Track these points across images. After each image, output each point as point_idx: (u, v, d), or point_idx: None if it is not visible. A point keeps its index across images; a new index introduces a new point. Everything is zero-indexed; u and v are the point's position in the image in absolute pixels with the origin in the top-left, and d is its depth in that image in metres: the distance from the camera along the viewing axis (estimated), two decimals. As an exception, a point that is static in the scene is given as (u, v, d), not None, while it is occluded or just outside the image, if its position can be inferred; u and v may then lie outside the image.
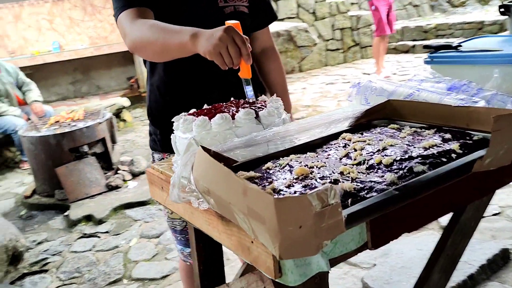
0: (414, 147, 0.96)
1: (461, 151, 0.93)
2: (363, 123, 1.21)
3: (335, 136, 1.13)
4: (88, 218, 3.29)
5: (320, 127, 1.16)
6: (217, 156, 1.02)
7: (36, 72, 6.82)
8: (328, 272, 0.86)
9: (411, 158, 0.91)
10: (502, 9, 1.57)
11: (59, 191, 3.59)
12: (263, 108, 1.19)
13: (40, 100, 4.73)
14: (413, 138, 1.02)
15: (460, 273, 1.97)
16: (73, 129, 3.60)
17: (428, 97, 1.15)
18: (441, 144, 0.96)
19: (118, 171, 3.79)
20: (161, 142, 1.56)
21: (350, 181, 0.85)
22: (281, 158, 1.01)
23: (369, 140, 1.04)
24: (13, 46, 6.87)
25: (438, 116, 1.08)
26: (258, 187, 0.74)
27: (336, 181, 0.85)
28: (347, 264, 2.27)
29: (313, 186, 0.84)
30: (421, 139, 1.01)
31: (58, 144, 3.54)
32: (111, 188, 3.62)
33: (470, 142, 0.96)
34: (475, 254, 2.07)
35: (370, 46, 7.71)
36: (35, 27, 6.93)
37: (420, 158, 0.90)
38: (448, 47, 1.39)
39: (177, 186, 0.98)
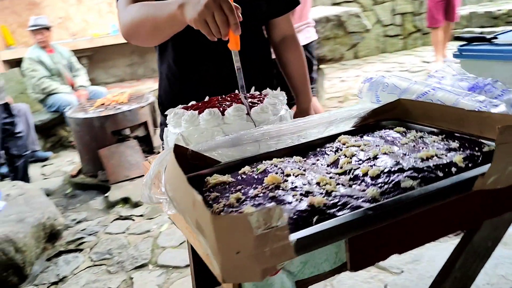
0: (410, 157, 0.83)
1: (463, 165, 0.79)
2: (370, 123, 1.08)
3: (333, 138, 1.02)
4: (125, 201, 3.34)
5: (318, 127, 1.06)
6: (195, 155, 0.95)
7: (95, 54, 7.05)
8: (295, 294, 0.77)
9: (401, 170, 0.79)
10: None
11: (102, 172, 3.68)
12: (260, 102, 1.11)
13: (86, 86, 4.87)
14: (414, 146, 0.89)
15: (496, 287, 1.79)
16: (116, 112, 3.65)
17: (444, 97, 1.01)
18: (442, 154, 0.83)
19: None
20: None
21: (323, 195, 0.75)
22: (263, 162, 0.92)
23: (364, 145, 0.93)
24: (75, 28, 7.11)
25: (451, 120, 0.94)
26: (201, 199, 0.65)
27: (307, 193, 0.75)
28: (375, 267, 2.14)
29: (280, 199, 0.74)
30: (423, 147, 0.88)
31: (101, 126, 3.62)
32: (151, 171, 3.66)
33: (478, 153, 0.82)
34: (515, 269, 1.88)
35: (433, 32, 7.29)
36: (96, 10, 7.13)
37: (411, 171, 0.78)
38: (482, 39, 1.22)
39: (148, 187, 0.92)
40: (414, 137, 0.93)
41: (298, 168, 0.85)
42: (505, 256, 1.96)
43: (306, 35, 2.89)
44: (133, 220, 3.12)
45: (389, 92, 1.11)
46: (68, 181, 3.89)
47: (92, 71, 7.23)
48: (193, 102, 1.24)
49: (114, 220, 3.17)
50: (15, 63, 6.85)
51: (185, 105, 1.19)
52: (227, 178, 0.86)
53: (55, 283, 2.54)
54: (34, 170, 4.44)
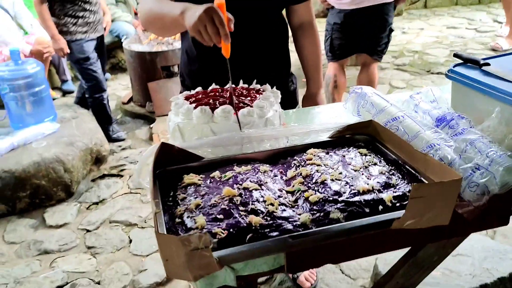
0: (351, 186, 0.96)
1: (390, 204, 0.92)
2: (346, 136, 1.20)
3: (305, 148, 1.15)
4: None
5: (298, 135, 1.18)
6: (181, 152, 1.12)
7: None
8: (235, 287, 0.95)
9: (335, 201, 0.92)
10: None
11: (150, 103, 3.95)
12: (250, 103, 1.24)
13: None
14: (363, 173, 1.01)
15: (476, 279, 1.90)
16: (167, 49, 3.84)
17: (409, 126, 1.10)
18: (376, 189, 0.95)
19: (204, 93, 4.02)
20: None
21: (263, 214, 0.90)
22: (235, 166, 1.08)
23: (325, 165, 1.05)
24: None
25: (404, 152, 1.05)
26: (157, 211, 0.84)
27: (252, 211, 0.91)
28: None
29: (228, 212, 0.91)
30: (367, 176, 1.00)
31: (152, 61, 3.83)
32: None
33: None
34: (501, 264, 1.97)
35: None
36: None
37: (343, 204, 0.92)
38: (475, 62, 1.26)
39: (138, 174, 1.11)
40: (368, 163, 1.05)
41: (257, 183, 1.00)
42: (497, 250, 2.05)
43: None
44: (157, 133, 3.40)
45: (367, 110, 1.21)
46: (120, 107, 4.22)
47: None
48: (199, 89, 1.39)
49: (155, 152, 3.46)
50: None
51: (189, 94, 1.34)
52: (197, 180, 1.03)
53: (96, 203, 2.90)
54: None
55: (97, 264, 2.37)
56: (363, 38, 3.20)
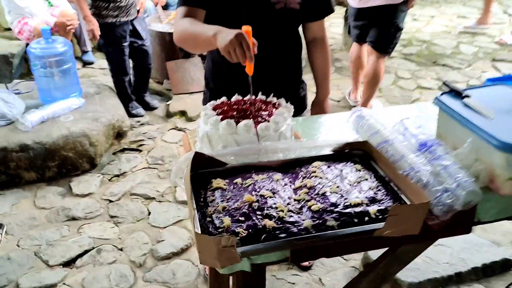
0: (346, 199, 1.22)
1: (374, 216, 1.18)
2: (345, 151, 1.45)
3: (311, 160, 1.40)
4: (182, 113, 3.87)
5: (306, 148, 1.44)
6: (210, 158, 1.38)
7: None
8: (250, 272, 1.22)
9: (331, 211, 1.18)
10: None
11: (167, 81, 4.19)
12: (267, 118, 1.48)
13: None
14: (355, 187, 1.27)
15: (452, 267, 2.18)
16: (186, 31, 4.03)
17: (397, 149, 1.35)
18: (364, 202, 1.21)
19: (219, 74, 4.24)
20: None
21: (275, 219, 1.17)
22: (253, 175, 1.33)
23: (326, 178, 1.31)
24: None
25: (391, 172, 1.30)
26: (196, 214, 1.10)
27: (267, 216, 1.17)
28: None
29: (248, 215, 1.17)
30: (359, 191, 1.25)
31: (171, 41, 3.97)
32: (209, 89, 4.12)
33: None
34: (476, 255, 2.25)
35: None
36: None
37: (337, 214, 1.18)
38: (458, 93, 1.49)
39: (175, 174, 1.38)
40: (361, 178, 1.30)
41: (271, 191, 1.26)
42: (474, 243, 2.32)
43: None
44: (186, 133, 3.65)
45: (364, 130, 1.46)
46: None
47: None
48: (224, 99, 1.63)
49: (171, 129, 3.72)
50: None
51: (216, 104, 1.59)
52: (223, 185, 1.29)
53: (117, 175, 3.18)
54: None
55: (119, 232, 2.67)
56: (370, 33, 3.46)
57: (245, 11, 1.71)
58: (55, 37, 3.40)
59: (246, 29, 1.41)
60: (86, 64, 4.92)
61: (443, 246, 2.28)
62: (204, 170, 1.37)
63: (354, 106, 3.91)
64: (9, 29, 4.54)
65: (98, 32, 3.51)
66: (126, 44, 3.66)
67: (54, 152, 3.05)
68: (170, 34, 4.03)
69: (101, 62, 5.02)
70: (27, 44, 3.49)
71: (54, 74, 3.26)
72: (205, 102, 1.98)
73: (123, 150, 3.46)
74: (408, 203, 1.21)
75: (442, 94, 1.51)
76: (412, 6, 3.42)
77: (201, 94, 4.02)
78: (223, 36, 1.41)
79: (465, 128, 1.36)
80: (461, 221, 1.29)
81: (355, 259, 2.40)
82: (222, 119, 1.47)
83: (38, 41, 3.30)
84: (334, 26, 5.62)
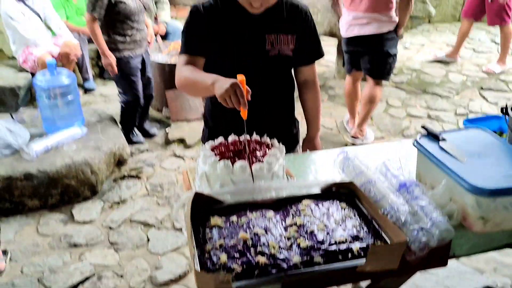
0: (331, 238, 1.35)
1: (356, 253, 1.30)
2: (332, 189, 1.58)
3: (300, 198, 1.53)
4: (181, 141, 4.00)
5: (295, 188, 1.57)
6: (209, 197, 1.51)
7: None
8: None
9: (318, 249, 1.31)
10: (503, 110, 1.69)
11: (166, 109, 4.33)
12: (261, 159, 1.62)
13: (167, 21, 5.38)
14: (340, 225, 1.40)
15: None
16: (185, 61, 4.20)
17: (379, 189, 1.48)
18: (348, 240, 1.33)
19: (216, 102, 4.40)
20: (206, 141, 2.06)
21: (267, 256, 1.29)
22: (248, 212, 1.46)
23: (314, 217, 1.44)
24: None
25: (373, 210, 1.43)
26: (195, 252, 1.23)
27: (260, 253, 1.30)
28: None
29: (243, 252, 1.29)
30: (343, 229, 1.38)
31: (171, 71, 4.20)
32: (206, 116, 4.27)
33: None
34: (460, 283, 2.37)
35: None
36: None
37: (323, 251, 1.30)
38: (435, 136, 1.63)
39: (176, 211, 1.50)
40: (345, 216, 1.43)
41: (263, 228, 1.38)
42: (459, 271, 2.45)
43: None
44: (184, 160, 3.79)
45: (351, 171, 1.59)
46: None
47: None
48: (221, 139, 1.76)
49: (169, 156, 3.86)
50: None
51: (214, 145, 1.72)
52: (220, 222, 1.42)
53: (117, 202, 3.30)
54: (112, 88, 5.17)
55: (119, 259, 2.77)
56: (364, 61, 3.66)
57: (242, 59, 1.86)
58: (60, 69, 3.54)
59: (241, 78, 1.57)
60: (87, 91, 5.08)
61: (428, 274, 2.40)
62: (203, 209, 1.49)
63: (354, 137, 4.05)
64: (14, 58, 4.69)
65: (115, 67, 3.64)
66: (139, 74, 3.82)
67: (57, 180, 3.17)
68: (170, 64, 4.20)
69: (101, 89, 5.19)
70: (33, 75, 3.64)
71: (59, 105, 3.40)
72: (203, 139, 2.11)
73: (123, 177, 3.59)
74: (388, 240, 1.34)
75: (420, 137, 1.66)
76: (401, 35, 3.61)
77: (198, 121, 4.20)
78: (220, 84, 1.58)
79: (440, 170, 1.50)
80: (438, 256, 1.42)
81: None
82: (219, 160, 1.61)
83: (44, 74, 3.44)
84: (328, 54, 5.78)
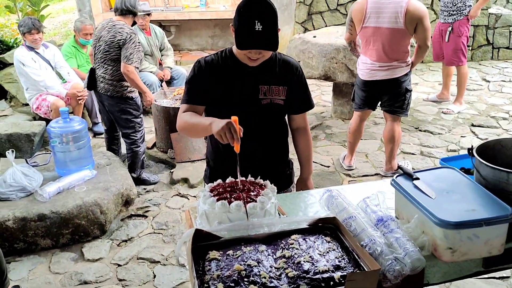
0: (316, 267, 1.53)
1: (338, 281, 1.48)
2: (318, 224, 1.77)
3: (290, 233, 1.72)
4: (185, 180, 4.21)
5: (285, 224, 1.76)
6: (208, 233, 1.70)
7: (183, 24, 7.85)
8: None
9: (304, 277, 1.49)
10: (469, 151, 1.89)
11: (171, 150, 4.56)
12: (255, 198, 1.81)
13: (171, 67, 5.69)
14: (324, 256, 1.58)
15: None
16: (189, 105, 4.46)
17: (358, 224, 1.67)
18: (331, 270, 1.51)
19: (219, 143, 4.63)
20: (208, 180, 2.27)
21: (259, 284, 1.47)
22: (243, 247, 1.65)
23: (301, 250, 1.62)
24: (168, -3, 7.91)
25: (353, 243, 1.61)
26: (195, 282, 1.41)
27: (252, 282, 1.48)
28: None
29: (237, 282, 1.47)
30: (327, 260, 1.56)
31: (175, 115, 4.41)
32: (209, 157, 4.49)
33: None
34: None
35: (506, 47, 7.33)
36: (189, -18, 7.86)
37: (308, 280, 1.48)
38: (410, 175, 1.83)
39: (179, 247, 1.69)
40: (329, 248, 1.61)
41: (256, 261, 1.57)
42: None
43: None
44: (188, 199, 3.98)
45: (334, 207, 1.79)
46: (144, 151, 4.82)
47: (179, 38, 8.06)
48: (220, 181, 1.97)
49: (174, 195, 4.05)
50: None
51: (212, 186, 1.93)
52: (218, 256, 1.60)
53: (125, 241, 3.48)
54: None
55: (127, 295, 2.93)
56: (381, 100, 3.90)
57: (237, 106, 2.09)
58: (72, 116, 3.80)
59: (234, 118, 1.84)
60: (96, 134, 5.33)
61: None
62: (203, 243, 1.68)
63: (349, 170, 4.26)
64: (28, 105, 4.98)
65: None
66: None
67: (68, 221, 3.36)
68: (174, 108, 4.46)
69: (109, 132, 5.43)
70: (47, 122, 3.88)
71: (71, 149, 3.63)
72: (205, 177, 2.33)
73: (130, 216, 3.78)
74: (365, 269, 1.52)
75: (397, 176, 1.86)
76: (416, 64, 3.88)
77: (201, 162, 4.41)
78: (216, 124, 1.85)
79: (414, 206, 1.69)
80: (412, 284, 1.59)
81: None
82: (217, 200, 1.81)
83: (57, 121, 3.70)
84: (325, 94, 6.08)
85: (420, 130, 5.08)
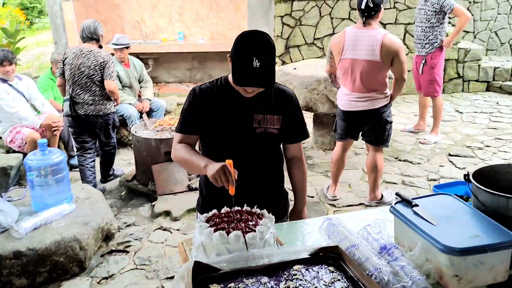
0: (322, 299, 1.48)
1: (342, 313, 1.43)
2: (320, 254, 1.72)
3: (292, 263, 1.66)
4: (167, 213, 4.10)
5: (285, 254, 1.70)
6: (207, 266, 1.63)
7: (161, 56, 7.86)
8: None
9: (309, 310, 1.43)
10: (466, 177, 1.90)
11: (152, 183, 4.45)
12: (254, 228, 1.76)
13: (150, 99, 5.66)
14: (330, 287, 1.53)
15: None
16: (170, 136, 4.40)
17: (362, 252, 1.63)
18: (336, 303, 1.46)
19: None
20: (201, 208, 2.21)
21: (264, 317, 1.41)
22: (244, 279, 1.58)
23: (305, 280, 1.57)
24: (147, 31, 7.93)
25: (358, 272, 1.57)
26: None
27: (256, 315, 1.41)
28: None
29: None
30: (332, 292, 1.51)
31: (157, 146, 4.38)
32: (191, 189, 4.40)
33: (359, 305, 1.45)
34: None
35: (475, 80, 7.60)
36: (167, 17, 7.92)
37: (312, 313, 1.43)
38: (408, 202, 1.82)
39: (177, 282, 1.61)
40: (334, 279, 1.57)
41: (260, 292, 1.50)
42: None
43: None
44: (171, 232, 3.87)
45: (335, 236, 1.75)
46: (124, 184, 4.71)
47: (156, 70, 8.05)
48: (215, 211, 1.91)
49: (156, 229, 3.93)
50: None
51: (208, 217, 1.86)
52: (219, 289, 1.53)
53: (106, 278, 3.32)
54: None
55: (110, 335, 2.77)
56: (362, 130, 3.93)
57: (232, 134, 2.06)
58: (50, 148, 3.68)
59: (229, 161, 1.82)
60: (72, 167, 5.18)
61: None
62: (202, 277, 1.61)
63: (333, 200, 4.24)
64: (1, 138, 4.82)
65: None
66: None
67: (46, 258, 3.20)
68: (156, 139, 4.39)
69: (87, 165, 5.29)
70: (24, 156, 3.75)
71: (49, 183, 3.49)
72: (198, 205, 2.28)
73: (111, 252, 3.63)
74: (373, 299, 1.48)
75: (396, 203, 1.84)
76: (395, 97, 3.93)
77: (184, 194, 4.32)
78: (211, 167, 1.84)
79: (416, 233, 1.67)
80: (419, 312, 1.55)
81: None
82: (215, 231, 1.74)
83: (35, 153, 3.57)
84: (304, 126, 6.12)
85: (400, 160, 5.14)
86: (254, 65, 1.82)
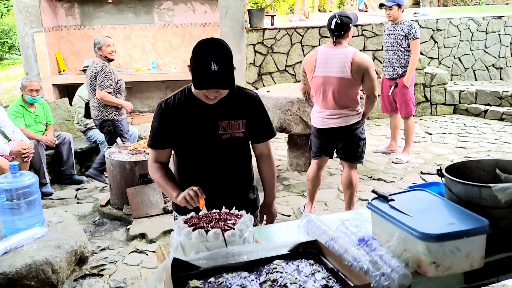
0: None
1: (325, 302, 1.42)
2: (300, 249, 1.72)
3: (271, 259, 1.66)
4: (143, 236, 4.02)
5: (266, 249, 1.70)
6: (186, 263, 1.60)
7: (134, 86, 7.87)
8: None
9: (289, 301, 1.42)
10: (438, 172, 1.96)
11: (127, 206, 4.38)
12: (233, 226, 1.75)
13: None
14: (311, 278, 1.52)
15: None
16: (145, 159, 4.37)
17: (341, 245, 1.64)
18: (317, 292, 1.46)
19: (176, 198, 4.51)
20: (176, 207, 2.26)
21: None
22: (224, 274, 1.56)
23: (286, 272, 1.56)
24: (120, 61, 7.95)
25: (338, 263, 1.57)
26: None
27: (238, 306, 1.39)
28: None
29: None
30: (314, 281, 1.51)
31: (131, 169, 4.33)
32: (166, 211, 4.34)
33: (340, 293, 1.45)
34: None
35: (442, 103, 7.85)
36: (140, 47, 7.98)
37: (292, 304, 1.42)
38: (385, 197, 1.85)
39: (155, 279, 1.58)
40: (314, 270, 1.56)
41: (240, 286, 1.48)
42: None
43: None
44: (147, 255, 3.78)
45: (314, 231, 1.76)
46: (97, 209, 4.61)
47: (130, 99, 7.96)
48: (193, 213, 1.90)
49: (132, 252, 3.84)
50: (65, 87, 7.71)
51: (186, 218, 1.85)
52: (199, 284, 1.51)
53: (79, 302, 3.21)
54: (69, 192, 5.20)
55: None
56: (336, 148, 3.96)
57: (199, 142, 2.12)
58: (22, 171, 3.59)
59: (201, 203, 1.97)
60: (44, 195, 5.05)
61: None
62: (182, 274, 1.58)
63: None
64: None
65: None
66: None
67: (16, 282, 3.07)
68: (130, 162, 4.35)
69: (59, 193, 5.20)
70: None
71: (20, 206, 3.39)
72: (173, 206, 2.32)
73: (84, 276, 3.52)
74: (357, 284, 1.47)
75: (372, 200, 1.87)
76: (367, 115, 4.00)
77: (160, 217, 4.26)
78: (181, 195, 2.00)
79: (393, 225, 1.69)
80: (400, 300, 1.56)
81: None
82: (193, 230, 1.73)
83: (6, 176, 3.48)
84: (279, 149, 6.17)
85: (373, 179, 5.21)
86: (213, 69, 1.90)
